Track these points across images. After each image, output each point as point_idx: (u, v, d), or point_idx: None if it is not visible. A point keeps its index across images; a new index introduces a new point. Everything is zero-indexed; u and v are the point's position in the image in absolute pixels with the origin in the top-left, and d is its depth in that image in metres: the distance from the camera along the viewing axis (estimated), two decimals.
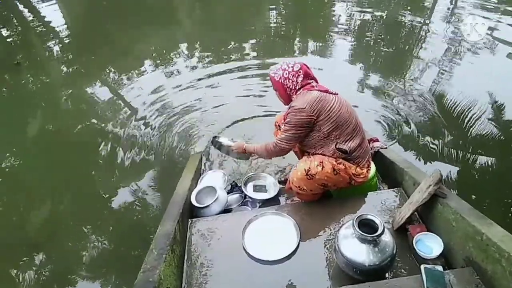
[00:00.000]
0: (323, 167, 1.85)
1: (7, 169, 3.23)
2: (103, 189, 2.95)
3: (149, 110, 3.89)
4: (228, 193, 2.40)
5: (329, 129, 1.85)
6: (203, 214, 2.12)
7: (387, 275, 1.57)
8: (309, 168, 1.85)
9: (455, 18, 5.81)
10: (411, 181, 1.99)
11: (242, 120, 3.51)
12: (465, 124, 3.20)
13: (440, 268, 1.44)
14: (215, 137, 2.42)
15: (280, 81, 1.93)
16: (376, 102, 3.64)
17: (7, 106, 4.36)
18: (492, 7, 6.02)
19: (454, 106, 3.44)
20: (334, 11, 6.63)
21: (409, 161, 2.25)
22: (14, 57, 5.54)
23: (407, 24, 5.69)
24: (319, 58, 4.73)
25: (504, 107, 3.34)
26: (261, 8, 7.23)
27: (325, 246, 1.77)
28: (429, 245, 1.62)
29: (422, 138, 3.10)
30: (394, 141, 3.09)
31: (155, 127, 3.58)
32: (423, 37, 5.24)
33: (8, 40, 6.50)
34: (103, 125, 3.74)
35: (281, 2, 7.40)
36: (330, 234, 1.83)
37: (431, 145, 3.01)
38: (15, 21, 7.69)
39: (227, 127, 3.44)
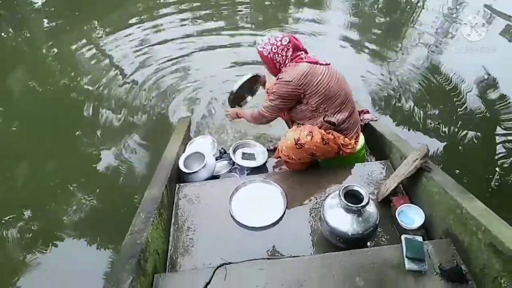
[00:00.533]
0: (312, 136, 1.85)
1: None
2: (89, 149, 2.91)
3: (134, 68, 3.78)
4: (216, 159, 2.40)
5: (317, 102, 1.85)
6: (191, 180, 2.13)
7: (369, 244, 1.63)
8: (299, 137, 1.85)
9: None
10: (398, 154, 2.02)
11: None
12: (454, 98, 3.21)
13: (419, 238, 1.50)
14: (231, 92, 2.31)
15: (269, 56, 1.89)
16: (368, 73, 3.59)
17: None
18: None
19: (445, 80, 3.43)
20: None
21: (397, 134, 2.27)
22: None
23: None
24: (315, 24, 4.58)
25: (497, 82, 3.35)
26: None
27: (310, 215, 1.81)
28: (411, 216, 1.67)
29: (412, 112, 3.10)
30: (384, 113, 3.09)
31: (143, 87, 3.50)
32: (419, 10, 5.10)
33: None
34: (87, 83, 3.64)
35: None
36: (316, 203, 1.86)
37: (421, 119, 3.02)
38: None
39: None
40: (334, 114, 1.89)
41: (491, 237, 1.30)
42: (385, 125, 2.50)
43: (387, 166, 2.06)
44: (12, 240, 2.29)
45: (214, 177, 2.25)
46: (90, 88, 3.56)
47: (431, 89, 3.36)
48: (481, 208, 1.43)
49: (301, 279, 1.41)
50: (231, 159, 2.37)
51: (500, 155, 2.66)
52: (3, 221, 2.39)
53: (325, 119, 1.89)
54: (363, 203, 1.44)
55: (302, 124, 1.96)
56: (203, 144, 2.54)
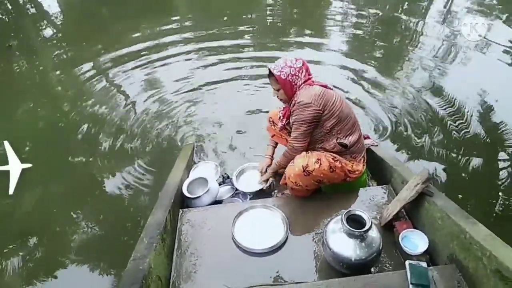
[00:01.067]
0: (320, 164, 1.85)
1: None
2: (94, 175, 2.95)
3: (141, 98, 3.88)
4: (219, 184, 2.41)
5: (332, 124, 1.88)
6: (194, 205, 2.13)
7: (372, 269, 1.61)
8: (307, 164, 1.85)
9: (450, 17, 5.85)
10: (399, 178, 2.03)
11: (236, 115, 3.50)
12: (456, 123, 3.24)
13: (424, 264, 1.48)
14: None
15: (288, 78, 1.88)
16: (368, 98, 3.66)
17: None
18: (486, 9, 6.06)
19: (446, 105, 3.48)
20: (330, 8, 6.58)
21: (398, 159, 2.29)
22: (7, 40, 5.46)
23: (402, 22, 5.71)
24: (316, 52, 4.73)
25: (493, 108, 3.39)
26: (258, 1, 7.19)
27: (313, 240, 1.80)
28: (415, 241, 1.65)
29: (413, 137, 3.13)
30: (384, 138, 3.12)
31: (149, 115, 3.59)
32: (418, 36, 5.27)
33: (1, 22, 6.37)
34: (95, 110, 3.73)
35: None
36: (318, 228, 1.85)
37: (421, 144, 3.05)
38: (8, 4, 7.54)
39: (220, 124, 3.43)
40: (346, 137, 1.92)
41: (496, 263, 1.28)
42: (385, 150, 2.52)
43: (389, 191, 2.07)
44: (16, 269, 2.28)
45: (217, 202, 2.25)
46: (96, 114, 3.66)
47: (432, 113, 3.40)
48: (485, 233, 1.42)
49: None
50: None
51: (503, 180, 2.65)
52: (5, 251, 2.38)
53: (338, 141, 1.91)
54: (366, 228, 1.44)
55: (312, 149, 1.98)
56: (206, 169, 2.56)
